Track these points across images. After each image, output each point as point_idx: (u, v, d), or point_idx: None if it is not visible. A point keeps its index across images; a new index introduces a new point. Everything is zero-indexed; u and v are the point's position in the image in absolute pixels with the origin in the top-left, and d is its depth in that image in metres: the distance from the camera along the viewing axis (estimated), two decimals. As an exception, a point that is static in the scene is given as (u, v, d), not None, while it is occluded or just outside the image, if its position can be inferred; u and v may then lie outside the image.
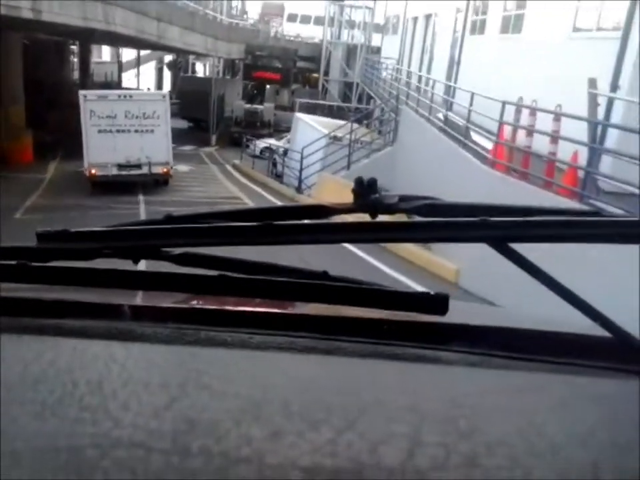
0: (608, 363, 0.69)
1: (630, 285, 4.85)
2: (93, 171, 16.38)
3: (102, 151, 16.18)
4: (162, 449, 0.43)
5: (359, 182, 0.73)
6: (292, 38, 39.13)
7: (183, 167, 21.73)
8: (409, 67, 22.81)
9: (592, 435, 0.48)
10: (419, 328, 0.76)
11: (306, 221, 0.75)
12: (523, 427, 0.48)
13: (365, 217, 0.74)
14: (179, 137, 28.11)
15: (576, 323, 0.78)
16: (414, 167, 12.60)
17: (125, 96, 17.63)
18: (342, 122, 18.92)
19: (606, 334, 0.70)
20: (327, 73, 37.62)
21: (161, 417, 0.47)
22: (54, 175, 19.53)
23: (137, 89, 31.91)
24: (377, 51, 35.56)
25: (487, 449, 0.44)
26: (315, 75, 38.56)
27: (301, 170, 16.73)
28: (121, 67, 36.54)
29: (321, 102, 34.81)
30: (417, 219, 0.70)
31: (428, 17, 21.36)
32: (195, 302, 0.88)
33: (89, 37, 28.54)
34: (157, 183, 17.34)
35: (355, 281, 0.79)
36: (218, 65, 36.21)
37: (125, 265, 0.76)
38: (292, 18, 43.84)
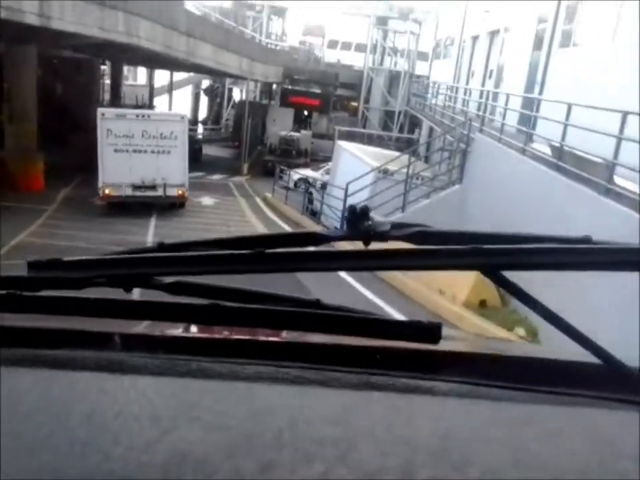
0: (600, 391, 0.66)
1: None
2: (107, 191, 15.42)
3: (117, 171, 15.29)
4: None
5: (351, 209, 0.71)
6: (332, 62, 36.24)
7: (207, 200, 18.52)
8: (465, 92, 19.32)
9: (585, 465, 0.46)
10: (411, 357, 0.73)
11: (297, 249, 0.71)
12: (516, 459, 0.47)
13: (358, 245, 0.71)
14: (209, 164, 25.17)
15: (568, 350, 0.76)
16: (499, 213, 8.98)
17: (143, 115, 16.51)
18: (392, 152, 15.44)
19: (598, 361, 0.68)
20: (367, 101, 35.07)
21: (152, 451, 0.45)
22: (60, 205, 16.48)
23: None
24: (418, 79, 33.21)
25: None
26: (354, 103, 35.77)
27: (344, 210, 13.22)
28: (152, 90, 33.77)
29: (363, 130, 31.85)
30: (410, 246, 0.68)
31: (493, 33, 17.85)
32: (186, 331, 0.85)
33: (118, 56, 26.09)
34: (172, 206, 16.20)
35: (347, 309, 0.77)
36: (255, 90, 33.45)
37: (116, 293, 0.73)
38: (332, 45, 41.06)
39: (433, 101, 21.16)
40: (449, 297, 8.16)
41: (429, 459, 0.46)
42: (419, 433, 0.51)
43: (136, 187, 15.60)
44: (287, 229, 14.72)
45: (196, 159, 26.41)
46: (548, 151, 8.78)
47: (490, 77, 17.92)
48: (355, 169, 14.27)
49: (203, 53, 22.30)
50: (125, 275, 0.72)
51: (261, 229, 15.00)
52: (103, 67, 30.79)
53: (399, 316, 7.11)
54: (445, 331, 0.70)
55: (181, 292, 0.74)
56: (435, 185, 12.53)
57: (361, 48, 37.88)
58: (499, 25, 16.98)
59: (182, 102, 39.60)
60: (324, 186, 18.01)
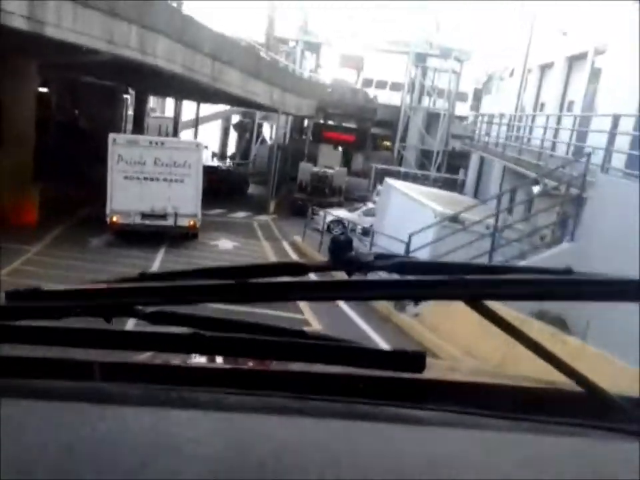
0: (583, 419, 0.65)
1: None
2: (115, 219, 14.20)
3: (126, 198, 14.12)
4: None
5: (334, 240, 0.70)
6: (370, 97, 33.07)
7: (226, 243, 15.04)
8: (530, 131, 15.70)
9: None
10: (396, 385, 0.72)
11: (280, 279, 0.69)
12: None
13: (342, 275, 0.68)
14: (232, 200, 21.87)
15: (552, 379, 0.75)
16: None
17: (156, 142, 15.19)
18: (457, 195, 11.81)
19: (581, 390, 0.67)
20: (402, 139, 31.94)
21: None
22: (48, 246, 13.10)
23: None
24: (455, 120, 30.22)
25: None
26: (386, 142, 32.59)
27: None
28: (177, 122, 30.80)
29: (401, 168, 28.53)
30: (393, 277, 0.65)
31: (574, 59, 14.28)
32: (167, 360, 0.82)
33: (141, 83, 23.25)
34: (185, 236, 14.76)
35: (331, 338, 0.74)
36: (286, 125, 30.32)
37: (97, 322, 0.70)
38: (367, 83, 38.14)
39: (494, 136, 17.52)
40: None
41: None
42: (403, 464, 0.50)
43: (145, 216, 14.29)
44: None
45: (242, 194, 24.92)
46: None
47: (569, 108, 14.26)
48: (411, 214, 10.63)
49: (230, 78, 19.12)
50: (106, 304, 0.69)
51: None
52: (126, 96, 28.00)
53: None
54: (429, 360, 0.68)
55: (162, 321, 0.70)
56: (532, 242, 8.80)
57: (396, 87, 35.01)
58: (586, 47, 13.40)
59: (210, 136, 36.69)
60: (365, 232, 14.38)
